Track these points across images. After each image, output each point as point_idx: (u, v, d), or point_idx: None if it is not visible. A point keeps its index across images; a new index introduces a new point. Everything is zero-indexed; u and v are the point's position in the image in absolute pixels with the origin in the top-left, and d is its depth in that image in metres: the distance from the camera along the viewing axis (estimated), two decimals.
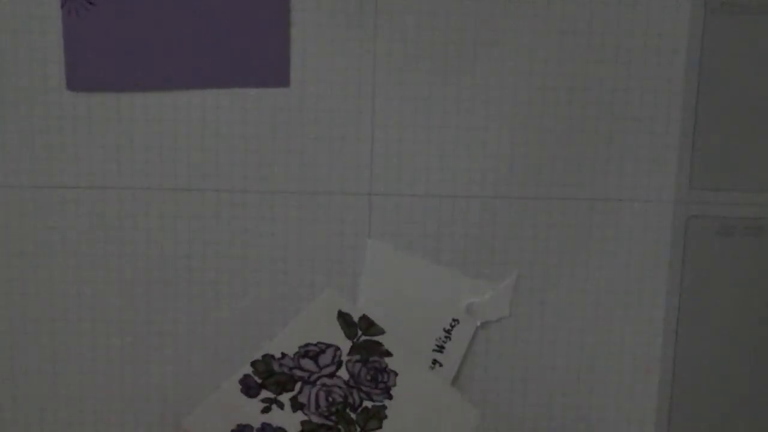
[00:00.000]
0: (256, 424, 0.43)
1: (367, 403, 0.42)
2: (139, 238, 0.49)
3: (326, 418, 0.43)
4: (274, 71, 0.47)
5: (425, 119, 0.48)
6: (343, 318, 0.39)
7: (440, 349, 0.49)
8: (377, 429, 0.43)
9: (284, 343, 0.39)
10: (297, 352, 0.40)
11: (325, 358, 0.41)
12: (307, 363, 0.40)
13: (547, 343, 0.50)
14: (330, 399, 0.42)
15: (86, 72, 0.47)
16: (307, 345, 0.40)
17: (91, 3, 0.47)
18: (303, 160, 0.48)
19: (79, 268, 0.49)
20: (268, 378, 0.42)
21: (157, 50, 0.47)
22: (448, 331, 0.49)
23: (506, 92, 0.48)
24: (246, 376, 0.42)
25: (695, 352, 0.50)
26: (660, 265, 0.49)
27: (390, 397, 0.42)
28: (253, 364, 0.41)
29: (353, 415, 0.42)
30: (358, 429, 0.43)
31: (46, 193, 0.48)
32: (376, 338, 0.40)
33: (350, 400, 0.42)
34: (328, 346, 0.40)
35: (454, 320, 0.49)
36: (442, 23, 0.47)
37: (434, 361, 0.49)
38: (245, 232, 0.49)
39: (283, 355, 0.40)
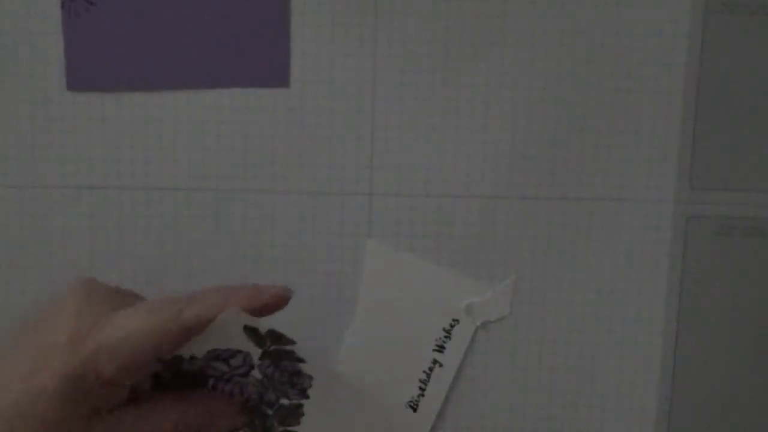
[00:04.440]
0: None
1: (284, 401, 0.41)
2: (139, 238, 0.49)
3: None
4: (274, 71, 0.47)
5: (425, 119, 0.48)
6: (250, 330, 0.38)
7: (440, 349, 0.49)
8: (296, 425, 0.42)
9: (192, 348, 0.38)
10: (206, 356, 0.39)
11: (237, 361, 0.39)
12: (218, 364, 0.39)
13: (547, 343, 0.50)
14: (245, 395, 0.41)
15: (86, 72, 0.47)
16: (216, 350, 0.38)
17: (91, 3, 0.47)
18: (303, 160, 0.48)
19: (79, 268, 0.49)
20: (177, 378, 0.40)
21: (157, 50, 0.47)
22: (448, 331, 0.49)
23: (506, 92, 0.48)
24: (157, 372, 0.40)
25: (695, 352, 0.50)
26: (660, 265, 0.49)
27: (306, 397, 0.41)
28: (163, 363, 0.39)
29: (270, 411, 0.41)
30: (276, 424, 0.42)
31: (46, 193, 0.48)
32: (286, 347, 0.39)
33: (266, 397, 0.41)
34: (238, 351, 0.39)
35: (454, 320, 0.49)
36: (442, 23, 0.47)
37: (434, 361, 0.49)
38: (245, 232, 0.49)
39: (193, 357, 0.39)
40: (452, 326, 0.49)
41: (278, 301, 0.38)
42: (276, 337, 0.38)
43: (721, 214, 0.48)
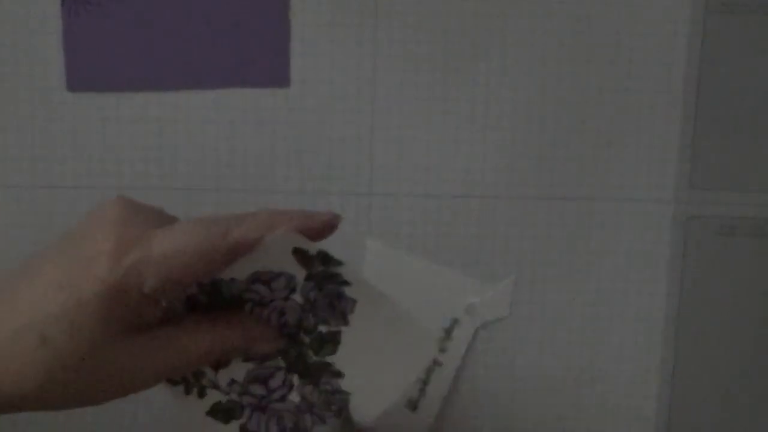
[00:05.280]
0: None
1: (322, 328, 0.40)
2: None
3: None
4: (274, 71, 0.47)
5: (425, 119, 0.48)
6: (299, 253, 0.37)
7: (440, 349, 0.49)
8: (331, 354, 0.41)
9: (234, 270, 0.37)
10: (248, 278, 0.37)
11: (279, 284, 0.38)
12: (259, 287, 0.38)
13: (547, 343, 0.50)
14: (282, 320, 0.40)
15: (86, 72, 0.47)
16: (258, 272, 0.37)
17: (91, 3, 0.47)
18: (303, 160, 0.48)
19: None
20: (213, 301, 0.39)
21: (157, 50, 0.47)
22: (448, 331, 0.49)
23: (506, 92, 0.48)
24: (191, 295, 0.39)
25: (695, 352, 0.50)
26: (660, 265, 0.49)
27: (346, 323, 0.40)
28: (200, 285, 0.38)
29: (307, 339, 0.40)
30: (311, 353, 0.41)
31: (46, 193, 0.48)
32: (334, 269, 0.38)
33: (305, 323, 0.40)
34: (282, 273, 0.37)
35: (454, 320, 0.49)
36: (443, 23, 0.47)
37: (434, 361, 0.49)
38: None
39: (233, 279, 0.38)
40: (452, 326, 0.49)
41: (327, 227, 0.37)
42: (325, 258, 0.37)
43: (721, 214, 0.48)
